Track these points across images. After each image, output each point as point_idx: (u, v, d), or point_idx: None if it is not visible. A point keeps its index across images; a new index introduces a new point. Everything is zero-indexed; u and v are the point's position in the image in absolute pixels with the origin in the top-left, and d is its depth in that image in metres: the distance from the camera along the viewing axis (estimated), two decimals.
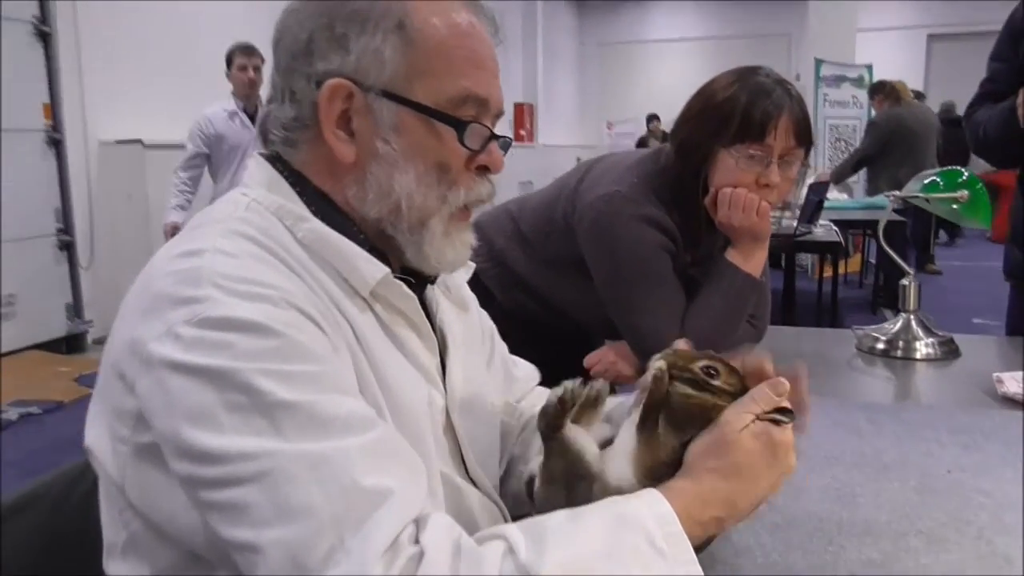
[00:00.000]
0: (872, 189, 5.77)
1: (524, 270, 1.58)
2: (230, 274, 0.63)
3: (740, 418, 0.67)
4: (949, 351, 1.55)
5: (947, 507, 0.89)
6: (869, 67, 7.45)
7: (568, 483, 0.71)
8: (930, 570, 0.77)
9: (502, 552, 0.58)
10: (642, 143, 8.19)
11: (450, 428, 0.80)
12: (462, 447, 0.81)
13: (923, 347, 1.55)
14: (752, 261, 1.41)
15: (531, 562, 0.57)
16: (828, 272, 4.94)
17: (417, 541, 0.58)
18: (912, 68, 12.48)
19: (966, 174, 1.57)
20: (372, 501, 0.57)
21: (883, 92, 6.04)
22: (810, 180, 4.75)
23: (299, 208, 0.72)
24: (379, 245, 0.76)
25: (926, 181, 1.60)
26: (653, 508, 0.63)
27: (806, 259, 6.20)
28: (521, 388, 1.02)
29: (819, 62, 7.23)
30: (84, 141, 4.97)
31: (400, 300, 0.75)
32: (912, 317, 1.59)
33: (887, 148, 5.63)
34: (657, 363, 0.71)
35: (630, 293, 1.42)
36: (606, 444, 0.74)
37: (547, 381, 1.21)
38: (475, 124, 0.73)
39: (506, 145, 0.79)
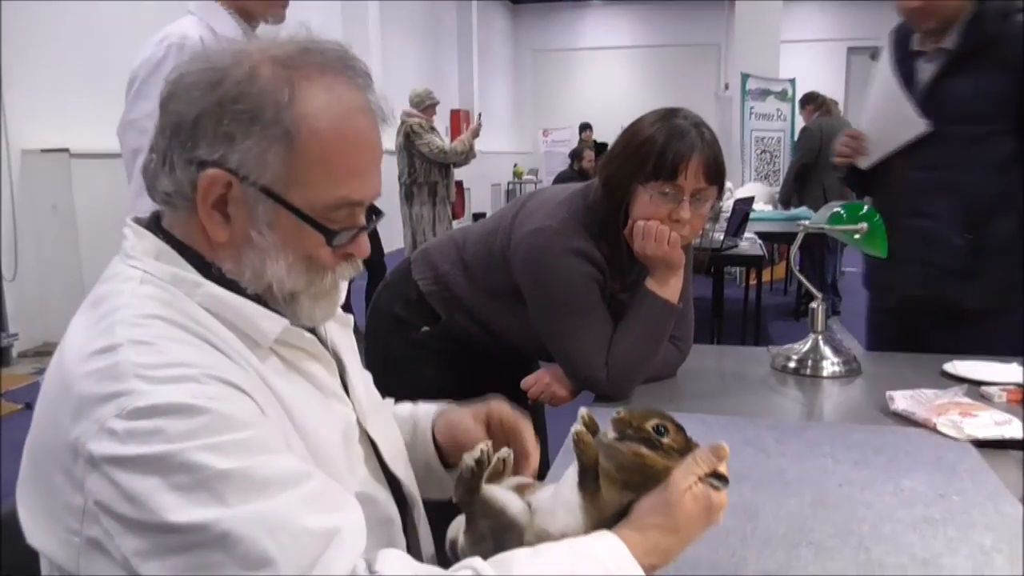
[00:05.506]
0: (799, 199, 6.02)
1: (466, 295, 1.66)
2: (148, 363, 0.67)
3: (685, 479, 0.75)
4: (852, 369, 1.69)
5: (835, 519, 1.02)
6: (792, 81, 7.78)
7: (496, 537, 0.79)
8: None
9: None
10: (576, 153, 8.35)
11: (365, 437, 0.90)
12: (379, 451, 0.91)
13: (829, 366, 1.69)
14: (668, 288, 1.53)
15: None
16: (754, 280, 5.17)
17: (373, 572, 0.66)
18: (833, 80, 13.02)
19: (866, 207, 1.72)
20: (322, 541, 0.65)
21: (814, 103, 6.31)
22: (738, 194, 4.98)
23: (192, 275, 0.76)
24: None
25: (831, 213, 1.75)
26: (603, 541, 0.73)
27: (734, 268, 6.44)
28: None
29: (745, 76, 7.52)
30: (6, 150, 4.83)
31: (300, 341, 0.82)
32: (820, 337, 1.73)
33: (818, 156, 5.86)
34: (574, 428, 0.79)
35: (561, 321, 1.52)
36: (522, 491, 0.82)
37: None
38: (345, 231, 0.79)
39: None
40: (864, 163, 2.01)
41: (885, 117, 2.00)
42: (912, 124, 1.89)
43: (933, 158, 1.88)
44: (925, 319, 1.97)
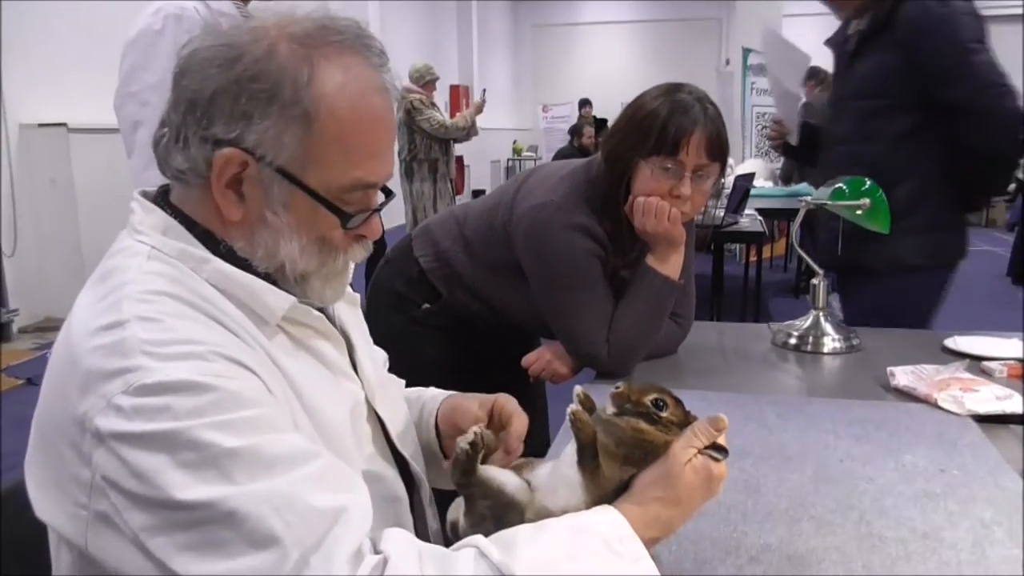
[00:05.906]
0: (800, 175, 5.98)
1: (467, 271, 1.66)
2: (155, 339, 0.67)
3: (684, 452, 0.76)
4: (852, 346, 1.70)
5: (836, 494, 1.03)
6: None
7: (496, 517, 0.79)
8: (816, 551, 0.89)
9: (474, 556, 0.68)
10: (576, 129, 8.31)
11: (373, 415, 0.90)
12: (386, 428, 0.91)
13: (830, 342, 1.69)
14: (668, 264, 1.53)
15: (504, 563, 0.67)
16: (755, 257, 5.17)
17: (378, 551, 0.66)
18: None
19: (868, 183, 1.71)
20: (328, 519, 0.65)
21: (816, 78, 6.25)
22: (738, 170, 4.95)
23: (200, 251, 0.75)
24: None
25: (833, 189, 1.74)
26: (604, 516, 0.73)
27: (734, 245, 6.43)
28: None
29: (747, 51, 7.44)
30: (4, 125, 4.80)
31: (308, 318, 0.82)
32: (821, 314, 1.73)
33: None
34: (570, 408, 0.79)
35: (562, 297, 1.52)
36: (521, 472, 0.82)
37: (487, 376, 1.30)
38: (359, 213, 0.79)
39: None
40: (793, 140, 2.33)
41: (778, 98, 2.43)
42: (792, 98, 2.29)
43: (845, 131, 2.07)
44: (848, 281, 2.15)
